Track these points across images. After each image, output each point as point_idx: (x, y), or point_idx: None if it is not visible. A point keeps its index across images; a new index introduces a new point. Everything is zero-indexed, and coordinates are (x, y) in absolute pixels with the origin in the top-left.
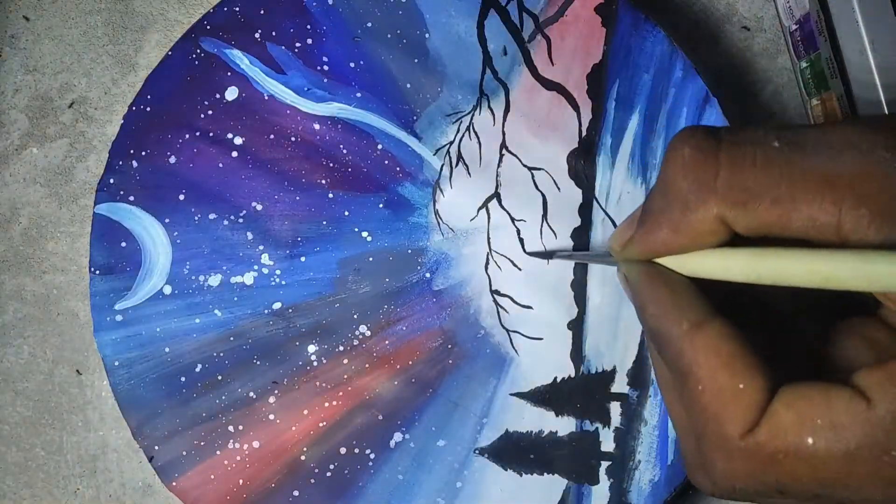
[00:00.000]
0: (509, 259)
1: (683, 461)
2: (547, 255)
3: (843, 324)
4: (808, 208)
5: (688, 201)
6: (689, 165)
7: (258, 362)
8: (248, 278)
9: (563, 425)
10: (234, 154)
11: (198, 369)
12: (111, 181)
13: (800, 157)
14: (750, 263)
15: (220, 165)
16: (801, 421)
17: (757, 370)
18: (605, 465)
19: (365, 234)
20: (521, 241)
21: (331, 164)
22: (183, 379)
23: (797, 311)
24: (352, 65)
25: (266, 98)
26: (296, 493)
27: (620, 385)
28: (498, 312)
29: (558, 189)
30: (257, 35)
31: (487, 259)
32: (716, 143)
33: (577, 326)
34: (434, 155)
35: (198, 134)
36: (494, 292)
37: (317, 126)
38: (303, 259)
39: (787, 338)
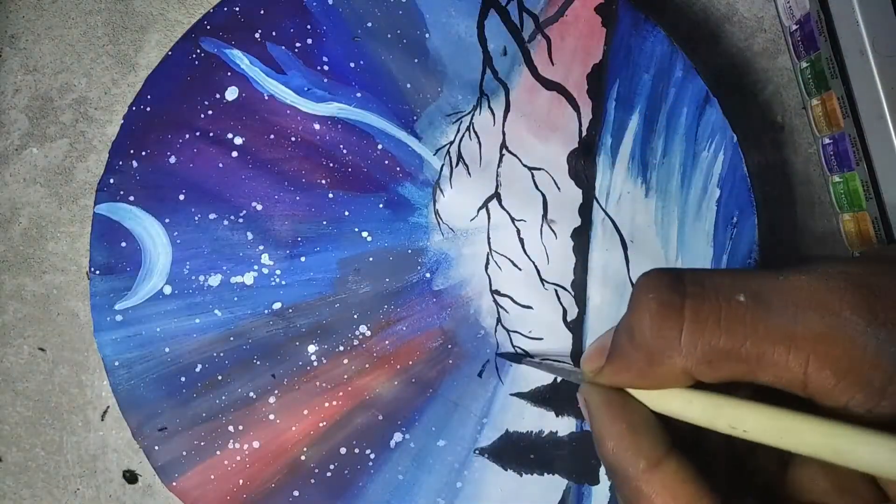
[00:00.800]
0: (509, 259)
1: None
2: (516, 359)
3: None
4: (773, 368)
5: (653, 354)
6: (654, 319)
7: (258, 362)
8: (248, 278)
9: (564, 425)
10: (234, 154)
11: (198, 369)
12: (111, 181)
13: (764, 314)
14: (709, 411)
15: (220, 165)
16: None
17: None
18: None
19: (365, 234)
20: (522, 241)
21: (331, 164)
22: (183, 379)
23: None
24: (352, 65)
25: (266, 98)
26: (296, 493)
27: None
28: (498, 312)
29: (558, 189)
30: (257, 35)
31: (487, 259)
32: (680, 298)
33: (577, 326)
34: (434, 155)
35: (198, 134)
36: (494, 292)
37: (317, 126)
38: (303, 259)
39: (748, 465)
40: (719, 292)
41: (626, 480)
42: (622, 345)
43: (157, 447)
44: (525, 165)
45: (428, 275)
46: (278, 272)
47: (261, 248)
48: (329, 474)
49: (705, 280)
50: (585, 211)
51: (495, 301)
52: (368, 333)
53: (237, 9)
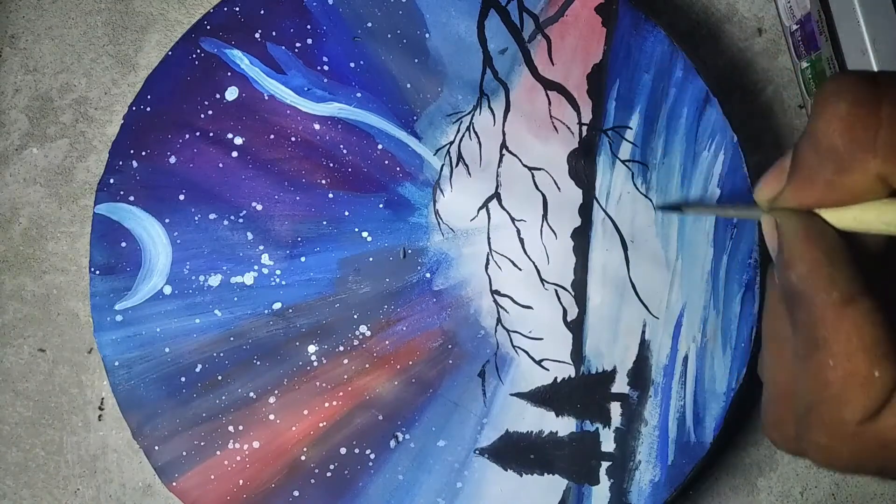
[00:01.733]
0: (509, 259)
1: (763, 414)
2: (676, 207)
3: None
4: None
5: (844, 161)
6: (845, 122)
7: (258, 362)
8: (249, 278)
9: (564, 425)
10: (235, 154)
11: (198, 369)
12: (111, 181)
13: None
14: None
15: (221, 165)
16: None
17: (894, 361)
18: (605, 465)
19: (365, 234)
20: (522, 241)
21: (331, 164)
22: (183, 379)
23: None
24: (352, 65)
25: (266, 98)
26: (296, 493)
27: (621, 385)
28: (498, 312)
29: (558, 189)
30: (257, 35)
31: (488, 259)
32: (877, 97)
33: (577, 326)
34: (434, 155)
35: (198, 134)
36: (495, 292)
37: (317, 126)
38: (303, 259)
39: None
40: None
41: (809, 307)
42: (805, 156)
43: (157, 447)
44: (525, 165)
45: (428, 275)
46: (278, 272)
47: (261, 248)
48: (329, 474)
49: None
50: (585, 211)
51: (495, 301)
52: (368, 333)
53: (237, 9)
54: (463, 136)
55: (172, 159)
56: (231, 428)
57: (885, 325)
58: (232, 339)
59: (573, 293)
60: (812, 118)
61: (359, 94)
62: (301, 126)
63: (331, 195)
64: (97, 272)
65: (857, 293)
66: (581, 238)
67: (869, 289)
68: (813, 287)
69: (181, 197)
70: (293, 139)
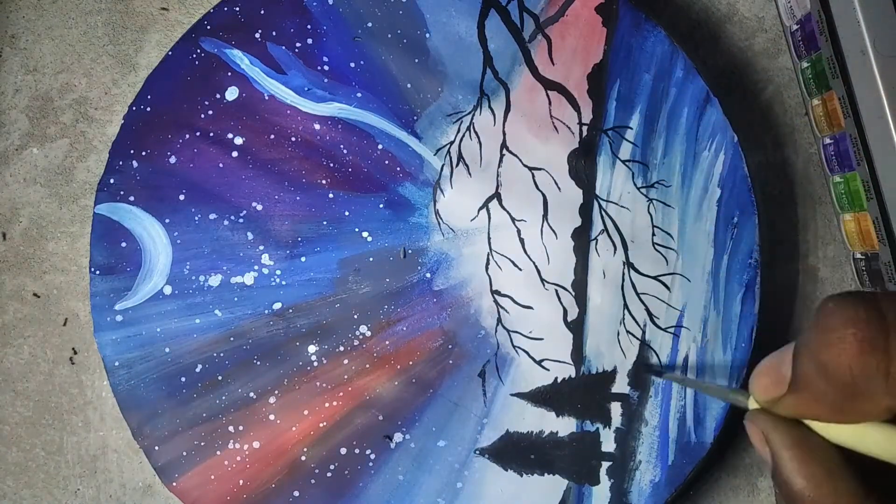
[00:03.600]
0: (510, 259)
1: None
2: (657, 372)
3: None
4: None
5: (855, 391)
6: (857, 358)
7: (258, 362)
8: (249, 278)
9: (564, 426)
10: (235, 154)
11: (198, 369)
12: (111, 181)
13: None
14: None
15: (221, 165)
16: None
17: None
18: (605, 465)
19: (365, 234)
20: (522, 241)
21: (331, 164)
22: (183, 379)
23: None
24: (352, 65)
25: (266, 98)
26: (296, 493)
27: (621, 385)
28: (498, 312)
29: (559, 189)
30: (257, 35)
31: (488, 259)
32: (883, 334)
33: (577, 326)
34: (434, 155)
35: (198, 134)
36: (495, 293)
37: (317, 126)
38: (303, 259)
39: None
40: None
41: None
42: (811, 378)
43: (157, 447)
44: (525, 165)
45: (428, 275)
46: (278, 272)
47: (261, 248)
48: (329, 475)
49: None
50: (586, 211)
51: (496, 301)
52: (369, 333)
53: (237, 9)
54: (463, 136)
55: (172, 159)
56: (231, 428)
57: None
58: (232, 339)
59: (573, 293)
60: (817, 341)
61: (359, 94)
62: (301, 126)
63: (331, 195)
64: (97, 272)
65: (864, 498)
66: (581, 238)
67: (872, 491)
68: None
69: (181, 197)
70: (293, 139)
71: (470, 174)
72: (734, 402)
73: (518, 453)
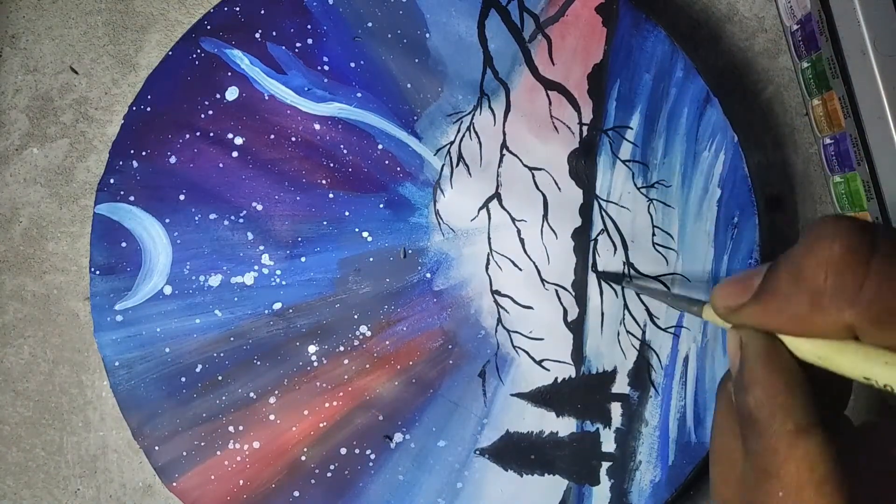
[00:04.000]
0: (510, 259)
1: None
2: (617, 279)
3: None
4: None
5: (822, 302)
6: (833, 265)
7: (258, 362)
8: (249, 278)
9: (564, 426)
10: (235, 154)
11: (198, 369)
12: (111, 181)
13: None
14: (889, 370)
15: (221, 165)
16: None
17: (843, 497)
18: (605, 465)
19: (365, 234)
20: (522, 241)
21: (331, 164)
22: (183, 379)
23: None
24: (352, 65)
25: (266, 98)
26: (296, 493)
27: (621, 385)
28: (499, 313)
29: (559, 189)
30: (257, 35)
31: (488, 259)
32: (870, 249)
33: (577, 326)
34: (434, 155)
35: (198, 134)
36: (495, 293)
37: (317, 126)
38: (303, 259)
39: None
40: None
41: (762, 434)
42: (781, 284)
43: (157, 447)
44: (525, 165)
45: (428, 275)
46: (278, 272)
47: (261, 248)
48: (329, 475)
49: None
50: (586, 211)
51: (496, 301)
52: (369, 334)
53: (237, 9)
54: (463, 136)
55: (173, 159)
56: (231, 428)
57: (835, 462)
58: (232, 339)
59: (574, 293)
60: (801, 252)
61: (359, 94)
62: (301, 126)
63: (331, 195)
64: (97, 272)
65: (812, 424)
66: (581, 238)
67: (822, 420)
68: (769, 414)
69: (181, 197)
70: (293, 139)
71: (470, 174)
72: (689, 312)
73: (518, 453)
